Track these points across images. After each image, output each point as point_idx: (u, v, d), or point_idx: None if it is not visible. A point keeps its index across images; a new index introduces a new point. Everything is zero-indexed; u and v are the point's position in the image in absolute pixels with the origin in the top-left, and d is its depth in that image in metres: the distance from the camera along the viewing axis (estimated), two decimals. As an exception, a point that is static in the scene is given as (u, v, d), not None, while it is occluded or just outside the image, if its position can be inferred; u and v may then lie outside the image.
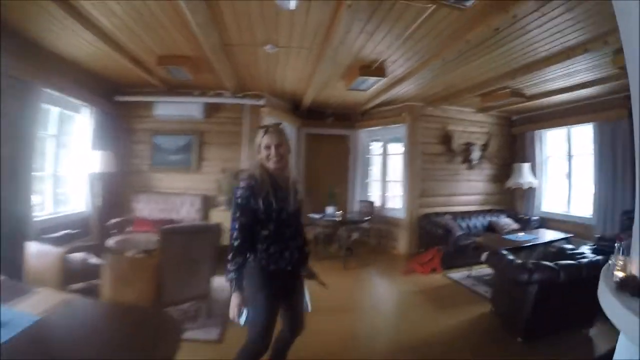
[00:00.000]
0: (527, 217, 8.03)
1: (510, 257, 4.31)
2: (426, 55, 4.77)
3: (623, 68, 4.39)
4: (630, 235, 1.86)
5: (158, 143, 7.07)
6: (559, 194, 8.18)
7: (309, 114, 8.41)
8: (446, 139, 8.09)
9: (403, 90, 6.46)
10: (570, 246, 5.33)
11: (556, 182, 8.28)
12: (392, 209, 8.31)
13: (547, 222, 7.92)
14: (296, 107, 8.16)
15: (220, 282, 4.96)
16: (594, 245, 5.68)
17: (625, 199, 6.35)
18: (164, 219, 6.35)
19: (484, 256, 5.34)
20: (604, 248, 5.27)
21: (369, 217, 7.31)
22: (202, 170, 7.17)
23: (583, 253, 4.72)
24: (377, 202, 8.40)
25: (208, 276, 4.13)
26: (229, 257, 2.25)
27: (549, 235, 6.61)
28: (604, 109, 6.71)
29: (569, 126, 7.73)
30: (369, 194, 8.97)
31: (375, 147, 9.00)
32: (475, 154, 8.29)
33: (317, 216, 6.85)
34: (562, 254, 4.93)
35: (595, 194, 6.97)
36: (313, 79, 5.64)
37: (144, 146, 7.12)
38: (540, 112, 8.13)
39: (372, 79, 5.32)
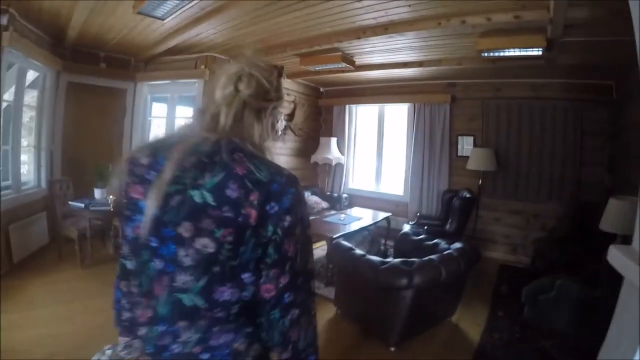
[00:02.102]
0: (336, 195, 7.47)
1: (359, 252, 3.45)
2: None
3: (483, 52, 3.65)
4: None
5: None
6: (367, 171, 7.91)
7: (75, 54, 5.71)
8: (247, 103, 6.65)
9: (208, 32, 4.71)
10: (407, 229, 4.76)
11: (364, 159, 8.00)
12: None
13: (355, 199, 7.54)
14: (58, 42, 5.37)
15: None
16: (414, 223, 5.72)
17: (441, 178, 6.49)
18: None
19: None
20: (438, 228, 5.29)
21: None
22: None
23: (432, 238, 4.13)
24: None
25: None
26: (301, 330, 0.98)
27: (366, 214, 6.08)
28: (423, 92, 6.76)
29: (382, 104, 7.49)
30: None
31: (161, 108, 6.88)
32: (280, 124, 7.13)
33: (80, 204, 4.56)
34: (407, 240, 4.30)
35: (408, 172, 6.89)
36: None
37: None
38: (352, 87, 7.69)
39: (177, -2, 3.48)
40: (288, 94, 7.36)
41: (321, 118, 8.35)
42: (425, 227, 5.11)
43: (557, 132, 5.65)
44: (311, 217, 5.36)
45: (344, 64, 5.40)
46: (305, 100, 7.91)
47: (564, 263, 4.27)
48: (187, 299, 0.93)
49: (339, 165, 7.81)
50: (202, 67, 5.80)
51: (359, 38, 4.35)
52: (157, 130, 6.83)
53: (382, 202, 7.17)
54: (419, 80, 6.60)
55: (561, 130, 5.62)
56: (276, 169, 0.96)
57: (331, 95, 8.17)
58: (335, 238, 4.28)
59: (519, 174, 5.91)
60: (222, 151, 0.91)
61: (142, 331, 1.02)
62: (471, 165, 5.81)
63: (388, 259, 3.34)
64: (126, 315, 1.14)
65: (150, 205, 0.91)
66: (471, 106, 6.32)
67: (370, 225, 5.50)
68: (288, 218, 0.92)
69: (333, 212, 6.47)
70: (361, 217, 5.70)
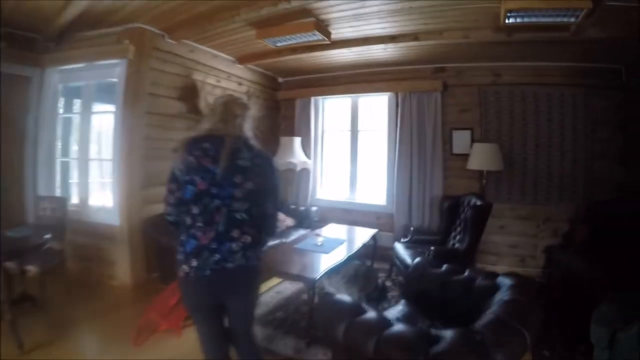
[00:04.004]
0: (304, 208, 6.11)
1: (374, 315, 1.94)
2: None
3: (509, 13, 3.28)
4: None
5: None
6: (339, 177, 6.69)
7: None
8: (189, 93, 5.02)
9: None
10: (418, 259, 3.45)
11: (335, 163, 6.79)
12: (99, 209, 4.78)
13: (327, 213, 6.28)
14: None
15: None
16: (408, 240, 4.76)
17: (434, 182, 5.43)
18: None
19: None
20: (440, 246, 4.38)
21: (53, 232, 3.59)
22: None
23: (459, 270, 2.80)
24: (75, 198, 4.81)
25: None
26: None
27: (346, 233, 4.87)
28: (407, 79, 5.70)
29: (356, 94, 6.31)
30: (68, 182, 5.09)
31: (75, 102, 5.17)
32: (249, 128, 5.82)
33: None
34: (424, 276, 2.93)
35: (392, 176, 5.78)
36: None
37: None
38: (319, 75, 6.48)
39: None
40: (240, 84, 6.05)
41: (280, 114, 7.04)
42: (432, 248, 3.95)
43: (566, 122, 4.91)
44: (277, 242, 3.39)
45: (318, 35, 4.13)
46: (260, 92, 6.58)
47: (584, 274, 3.67)
48: (239, 215, 1.91)
49: (305, 171, 6.50)
50: (126, 42, 4.34)
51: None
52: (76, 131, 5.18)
53: (360, 215, 6.03)
54: (401, 64, 5.54)
55: (570, 120, 4.90)
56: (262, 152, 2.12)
57: (292, 86, 6.87)
58: (318, 279, 3.11)
59: (525, 172, 5.08)
60: (244, 141, 2.03)
61: (196, 261, 1.87)
62: (473, 165, 4.80)
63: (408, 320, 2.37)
64: (187, 248, 1.92)
65: (221, 168, 1.85)
66: (466, 94, 5.35)
67: (359, 249, 4.22)
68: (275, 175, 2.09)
69: (302, 231, 5.22)
70: (344, 239, 4.46)
